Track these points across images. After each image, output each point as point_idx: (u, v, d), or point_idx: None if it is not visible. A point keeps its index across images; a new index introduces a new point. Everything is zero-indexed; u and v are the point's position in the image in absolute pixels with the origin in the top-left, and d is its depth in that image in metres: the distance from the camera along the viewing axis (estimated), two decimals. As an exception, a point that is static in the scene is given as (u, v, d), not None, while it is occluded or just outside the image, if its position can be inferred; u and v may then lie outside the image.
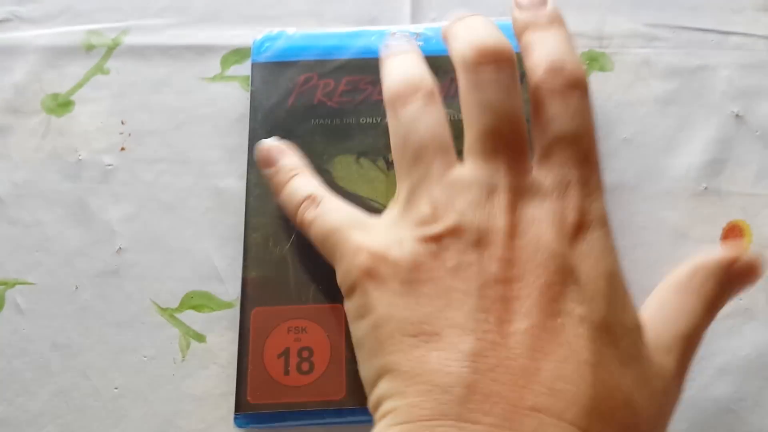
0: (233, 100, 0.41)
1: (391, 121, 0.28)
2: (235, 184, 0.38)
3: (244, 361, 0.33)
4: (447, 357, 0.22)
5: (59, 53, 0.43)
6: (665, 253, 0.38)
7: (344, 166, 0.37)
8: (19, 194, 0.39)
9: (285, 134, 0.38)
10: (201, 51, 0.43)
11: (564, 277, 0.23)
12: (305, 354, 0.33)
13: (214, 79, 0.42)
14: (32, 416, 0.35)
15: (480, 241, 0.24)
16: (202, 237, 0.38)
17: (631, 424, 0.22)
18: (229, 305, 0.36)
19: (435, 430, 0.21)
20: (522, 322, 0.22)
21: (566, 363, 0.22)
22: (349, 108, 0.39)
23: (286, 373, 0.33)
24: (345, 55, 0.40)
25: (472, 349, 0.22)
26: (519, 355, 0.22)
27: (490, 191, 0.25)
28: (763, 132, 0.40)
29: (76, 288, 0.37)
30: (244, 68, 0.42)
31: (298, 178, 0.32)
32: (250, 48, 0.41)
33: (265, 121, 0.38)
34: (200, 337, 0.36)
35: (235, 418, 0.33)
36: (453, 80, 0.38)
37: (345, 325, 0.33)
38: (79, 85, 0.42)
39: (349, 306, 0.26)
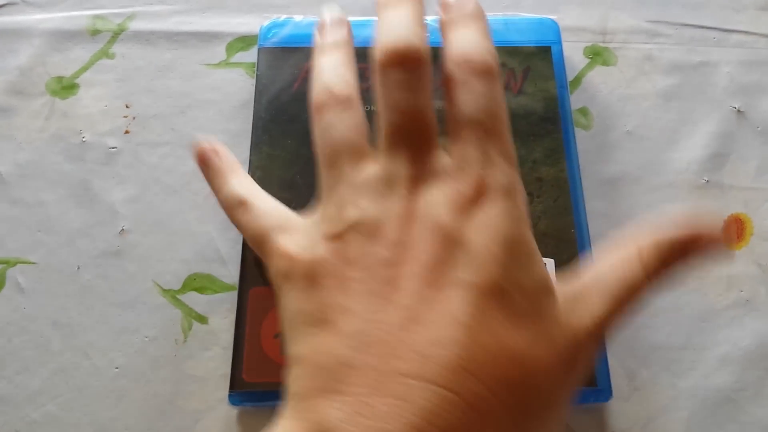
0: (238, 86, 0.42)
1: (313, 129, 0.29)
2: (239, 168, 0.38)
3: (241, 341, 0.33)
4: (334, 340, 0.23)
5: (64, 37, 0.43)
6: (667, 244, 0.38)
7: (349, 150, 0.37)
8: (23, 174, 0.39)
9: (289, 119, 0.38)
10: (206, 38, 0.43)
11: (452, 249, 0.23)
12: (303, 333, 0.33)
13: (219, 65, 0.42)
14: (32, 394, 0.35)
15: (377, 231, 0.24)
16: (205, 220, 0.38)
17: (521, 379, 0.22)
18: (231, 288, 0.36)
19: (308, 403, 0.22)
20: (405, 298, 0.23)
21: (442, 329, 0.22)
22: (354, 95, 0.39)
23: (283, 352, 0.33)
24: (350, 45, 0.40)
25: (356, 330, 0.23)
26: (397, 328, 0.22)
27: (390, 183, 0.25)
28: (764, 127, 0.41)
29: (78, 268, 0.37)
30: (250, 55, 0.42)
31: (231, 181, 0.32)
32: (255, 35, 0.41)
33: (270, 105, 0.38)
34: (202, 319, 0.36)
35: (230, 396, 0.33)
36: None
37: None
38: (84, 69, 0.42)
39: (278, 306, 0.27)
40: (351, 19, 0.41)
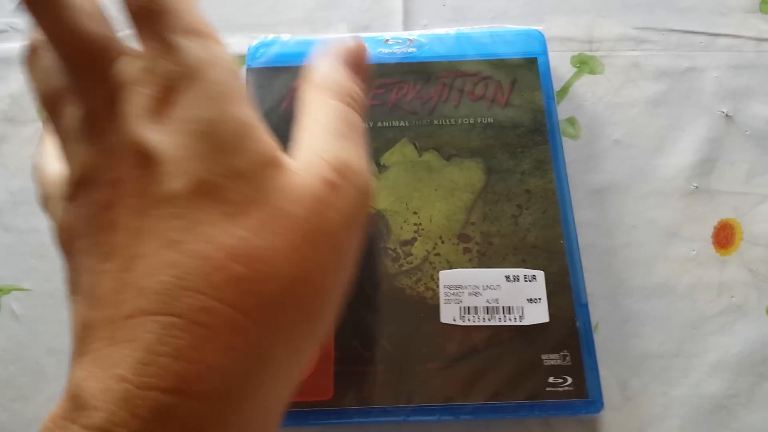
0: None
1: None
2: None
3: None
4: (79, 305, 0.22)
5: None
6: (657, 251, 0.38)
7: (336, 169, 0.37)
8: (15, 202, 0.40)
9: (278, 139, 0.38)
10: (195, 59, 0.43)
11: (149, 165, 0.22)
12: (295, 352, 0.33)
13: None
14: (27, 421, 0.35)
15: (93, 176, 0.23)
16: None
17: (253, 275, 0.21)
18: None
19: (69, 373, 0.21)
20: (122, 237, 0.22)
21: (156, 255, 0.21)
22: (342, 112, 0.39)
23: None
24: (338, 62, 0.41)
25: (90, 287, 0.22)
26: (121, 270, 0.21)
27: (90, 117, 0.23)
28: (752, 131, 0.41)
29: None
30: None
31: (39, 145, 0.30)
32: (244, 56, 0.42)
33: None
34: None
35: None
36: (445, 86, 0.39)
37: (333, 324, 0.33)
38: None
39: None
40: (338, 36, 0.42)
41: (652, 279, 0.37)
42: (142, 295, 0.20)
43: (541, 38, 0.41)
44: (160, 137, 0.22)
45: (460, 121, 0.39)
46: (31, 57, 0.26)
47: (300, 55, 0.41)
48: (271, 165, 0.23)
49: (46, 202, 0.26)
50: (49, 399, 0.35)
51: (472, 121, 0.39)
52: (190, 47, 0.23)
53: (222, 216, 0.22)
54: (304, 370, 0.25)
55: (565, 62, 0.43)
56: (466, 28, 0.42)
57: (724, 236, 0.38)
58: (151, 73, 0.22)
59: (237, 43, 0.44)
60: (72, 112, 0.24)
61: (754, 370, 0.35)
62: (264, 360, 0.22)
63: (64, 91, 0.24)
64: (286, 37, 0.42)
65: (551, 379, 0.33)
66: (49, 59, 0.25)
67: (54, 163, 0.27)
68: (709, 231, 0.38)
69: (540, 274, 0.35)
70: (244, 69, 0.41)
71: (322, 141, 0.25)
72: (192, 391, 0.20)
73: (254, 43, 0.41)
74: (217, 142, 0.22)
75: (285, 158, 0.24)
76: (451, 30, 0.42)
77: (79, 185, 0.23)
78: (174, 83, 0.22)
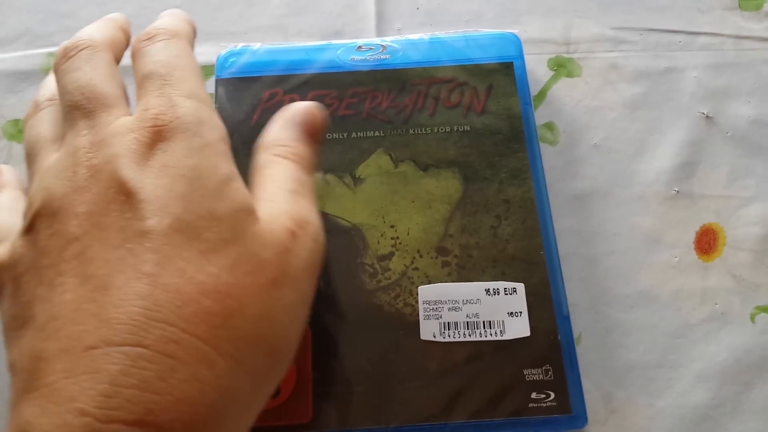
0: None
1: None
2: (201, 205, 0.38)
3: None
4: (32, 337, 0.22)
5: (19, 78, 0.42)
6: (639, 259, 0.37)
7: (310, 183, 0.36)
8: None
9: (250, 152, 0.37)
10: (164, 70, 0.42)
11: (129, 201, 0.23)
12: (270, 380, 0.32)
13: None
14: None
15: (62, 208, 0.24)
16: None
17: (222, 310, 0.22)
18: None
19: (14, 410, 0.21)
20: (91, 268, 0.22)
21: (125, 287, 0.21)
22: (315, 123, 0.38)
23: None
24: (310, 70, 0.40)
25: (48, 318, 0.22)
26: (85, 301, 0.21)
27: (72, 157, 0.25)
28: (733, 133, 0.40)
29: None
30: (208, 86, 0.41)
31: None
32: (213, 65, 0.41)
33: (230, 138, 0.37)
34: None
35: None
36: (419, 93, 0.38)
37: (311, 347, 0.33)
38: (40, 110, 0.41)
39: None
40: (312, 44, 0.41)
41: (634, 287, 0.37)
42: (107, 326, 0.21)
43: (517, 42, 0.40)
44: (143, 176, 0.23)
45: (436, 129, 0.38)
46: (30, 115, 0.29)
47: (271, 64, 0.40)
48: (245, 212, 0.25)
49: None
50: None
51: (448, 129, 0.38)
52: (187, 106, 0.25)
53: (196, 253, 0.23)
54: (264, 402, 0.25)
55: (541, 65, 0.42)
56: (440, 33, 0.41)
57: (707, 242, 0.38)
58: (143, 121, 0.25)
59: (205, 52, 0.43)
60: (47, 155, 0.26)
61: (739, 378, 0.35)
62: (230, 392, 0.22)
63: (47, 140, 0.27)
64: (255, 45, 0.41)
65: (534, 395, 0.32)
66: (43, 114, 0.29)
67: (5, 213, 0.29)
68: (691, 237, 0.38)
69: (520, 287, 0.34)
70: (213, 80, 0.40)
71: (281, 197, 0.27)
72: (158, 423, 0.20)
73: (223, 52, 0.40)
74: (200, 187, 0.24)
75: (256, 209, 0.25)
76: (425, 35, 0.41)
77: (39, 216, 0.24)
78: (164, 131, 0.24)
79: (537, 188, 0.36)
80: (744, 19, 0.43)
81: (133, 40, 0.30)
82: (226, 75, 0.40)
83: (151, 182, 0.23)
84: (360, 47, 0.40)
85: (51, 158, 0.26)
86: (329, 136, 0.38)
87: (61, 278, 0.22)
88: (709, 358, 0.35)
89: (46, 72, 0.42)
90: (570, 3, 0.44)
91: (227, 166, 0.26)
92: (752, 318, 0.36)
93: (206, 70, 0.42)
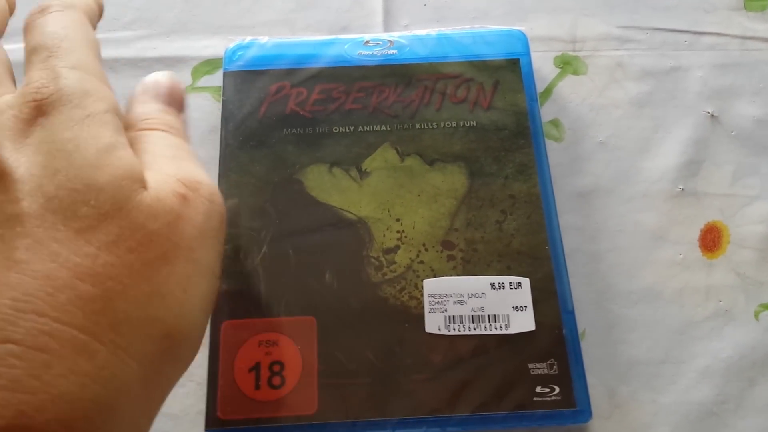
0: (205, 111, 0.41)
1: None
2: (208, 196, 0.38)
3: (215, 377, 0.33)
4: None
5: (22, 71, 0.42)
6: (643, 256, 0.37)
7: (316, 175, 0.37)
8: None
9: (257, 144, 0.37)
10: (171, 62, 0.42)
11: (3, 183, 0.21)
12: (276, 368, 0.32)
13: (185, 90, 0.42)
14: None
15: None
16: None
17: (101, 294, 0.21)
18: (203, 320, 0.36)
19: None
20: None
21: None
22: (322, 117, 0.38)
23: (257, 387, 0.32)
24: (317, 64, 0.40)
25: None
26: None
27: None
28: (738, 132, 0.40)
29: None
30: (216, 79, 0.42)
31: None
32: (221, 58, 0.41)
33: (237, 130, 0.38)
34: (174, 354, 0.35)
35: None
36: (426, 89, 0.38)
37: (317, 338, 0.33)
38: (47, 100, 0.41)
39: None
40: (319, 38, 0.41)
41: (638, 284, 0.37)
42: None
43: (523, 39, 0.41)
44: (17, 156, 0.22)
45: (442, 124, 0.38)
46: None
47: (278, 58, 0.40)
48: (129, 179, 0.23)
49: None
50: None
51: (454, 124, 0.38)
52: (70, 76, 0.24)
53: (72, 233, 0.21)
54: (168, 391, 0.24)
55: (548, 63, 0.43)
56: (447, 29, 0.41)
57: (711, 239, 0.38)
58: (23, 95, 0.23)
59: (214, 45, 0.43)
60: None
61: (743, 375, 0.35)
62: (117, 383, 0.20)
63: None
64: (263, 39, 0.41)
65: (538, 389, 0.32)
66: None
67: None
68: (695, 234, 0.38)
69: (525, 281, 0.34)
70: (220, 72, 0.40)
71: (163, 164, 0.25)
72: (33, 425, 0.18)
73: (231, 45, 0.40)
74: (76, 159, 0.22)
75: (143, 176, 0.24)
76: (433, 31, 0.41)
77: None
78: (44, 105, 0.23)
79: (542, 184, 0.36)
80: (749, 19, 0.44)
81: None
82: (234, 68, 0.40)
83: (27, 161, 0.22)
84: (367, 42, 0.41)
85: None
86: (336, 129, 0.38)
87: None
88: (713, 355, 0.35)
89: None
90: (577, 1, 0.44)
91: (111, 134, 0.23)
92: (756, 315, 0.36)
93: (214, 63, 0.42)
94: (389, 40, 0.41)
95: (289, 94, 0.39)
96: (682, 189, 0.39)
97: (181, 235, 0.23)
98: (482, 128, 0.38)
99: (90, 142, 0.23)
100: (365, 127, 0.38)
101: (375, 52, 0.40)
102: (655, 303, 0.36)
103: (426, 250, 0.35)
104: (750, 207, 0.39)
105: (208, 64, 0.42)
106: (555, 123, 0.41)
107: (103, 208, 0.22)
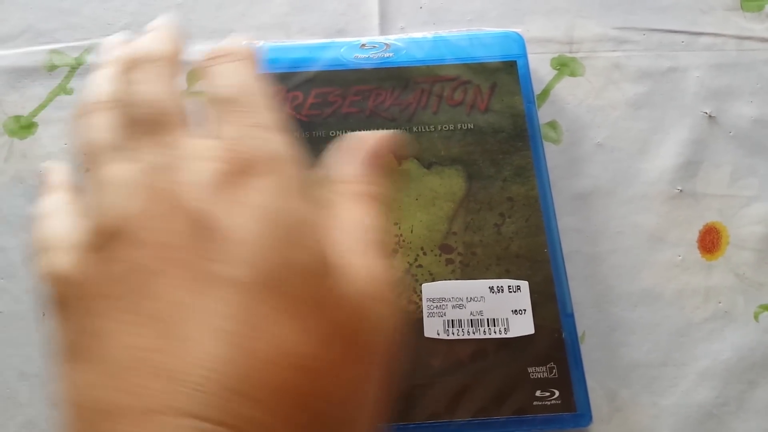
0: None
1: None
2: (204, 202, 0.38)
3: None
4: (87, 377, 0.20)
5: (20, 74, 0.42)
6: (642, 257, 0.37)
7: (314, 180, 0.36)
8: (-18, 220, 0.38)
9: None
10: (166, 67, 0.42)
11: (210, 240, 0.20)
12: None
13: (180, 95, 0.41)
14: (0, 449, 0.34)
15: (133, 234, 0.21)
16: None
17: (310, 385, 0.20)
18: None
19: None
20: (163, 311, 0.20)
21: (201, 343, 0.19)
22: (318, 121, 0.38)
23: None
24: (314, 68, 0.40)
25: (108, 361, 0.20)
26: (153, 351, 0.19)
27: (143, 177, 0.22)
28: (736, 132, 0.40)
29: (44, 315, 0.36)
30: (211, 84, 0.41)
31: (40, 200, 0.30)
32: (216, 63, 0.40)
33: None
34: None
35: None
36: (423, 92, 0.38)
37: None
38: (42, 107, 0.41)
39: None
40: (315, 42, 0.40)
41: (638, 286, 0.37)
42: (178, 390, 0.18)
43: (520, 41, 0.40)
44: (228, 214, 0.21)
45: (439, 127, 0.38)
46: (88, 112, 0.25)
47: (274, 62, 0.40)
48: (325, 267, 0.22)
49: (45, 251, 0.24)
50: (22, 425, 0.34)
51: (451, 127, 0.38)
52: (269, 139, 0.23)
53: (283, 314, 0.20)
54: None
55: (545, 64, 0.42)
56: (443, 32, 0.41)
57: (710, 240, 0.38)
58: (226, 150, 0.22)
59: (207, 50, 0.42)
60: (119, 166, 0.23)
61: (743, 377, 0.35)
62: None
63: (114, 146, 0.24)
64: (258, 43, 0.41)
65: (538, 393, 0.32)
66: (102, 117, 0.25)
67: (63, 216, 0.25)
68: (694, 235, 0.38)
69: (524, 285, 0.34)
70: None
71: (358, 251, 0.23)
72: None
73: (227, 50, 0.40)
74: (285, 234, 0.21)
75: (340, 262, 0.22)
76: (429, 33, 0.41)
77: (113, 237, 0.21)
78: (249, 168, 0.22)
79: (541, 186, 0.36)
80: (746, 19, 0.44)
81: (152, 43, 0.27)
82: (229, 72, 0.39)
83: (236, 221, 0.21)
84: (364, 45, 0.40)
85: (116, 169, 0.23)
86: (332, 133, 0.38)
87: (126, 315, 0.20)
88: (713, 357, 0.35)
89: (48, 69, 0.42)
90: (572, 3, 0.44)
91: (306, 210, 0.22)
92: (756, 317, 0.36)
93: (209, 67, 0.42)
94: (385, 43, 0.40)
95: (286, 99, 0.38)
96: (681, 190, 0.39)
97: (378, 340, 0.22)
98: (480, 131, 0.38)
99: (297, 220, 0.22)
100: (362, 131, 0.38)
101: (371, 55, 0.40)
102: (655, 305, 0.36)
103: (424, 254, 0.35)
104: (749, 208, 0.38)
105: (204, 69, 0.42)
106: (553, 125, 0.41)
107: (309, 294, 0.21)
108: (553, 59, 0.42)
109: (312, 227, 0.22)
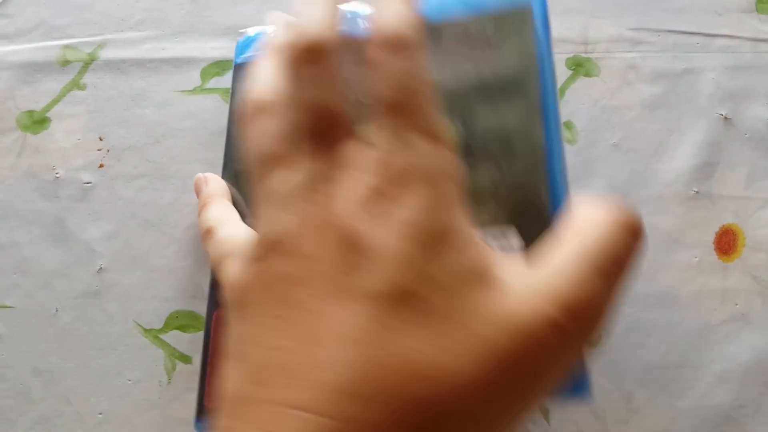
0: (214, 112, 0.40)
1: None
2: (219, 199, 0.37)
3: (204, 365, 0.32)
4: (242, 375, 0.22)
5: (34, 69, 0.42)
6: (658, 259, 0.37)
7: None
8: (-5, 215, 0.38)
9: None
10: (180, 64, 0.42)
11: (355, 255, 0.21)
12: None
13: (193, 91, 0.41)
14: (13, 445, 0.34)
15: (288, 246, 0.22)
16: (185, 254, 0.37)
17: (433, 397, 0.19)
18: (215, 324, 0.35)
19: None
20: (305, 319, 0.21)
21: (332, 349, 0.20)
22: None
23: None
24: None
25: (259, 361, 0.21)
26: (293, 353, 0.20)
27: (302, 188, 0.23)
28: (752, 134, 0.40)
29: (57, 310, 0.36)
30: (225, 80, 0.41)
31: (206, 209, 0.32)
32: (230, 60, 0.40)
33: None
34: (186, 358, 0.35)
35: (196, 424, 0.31)
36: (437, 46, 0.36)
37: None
38: (55, 102, 0.41)
39: None
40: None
41: (654, 287, 0.37)
42: (306, 387, 0.19)
43: None
44: (373, 231, 0.21)
45: (445, 83, 0.37)
46: (254, 116, 0.25)
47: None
48: (477, 282, 0.21)
49: (221, 259, 0.28)
50: (35, 422, 0.34)
51: (458, 82, 0.37)
52: (428, 152, 0.22)
53: (416, 327, 0.20)
54: None
55: (560, 65, 0.42)
56: None
57: (726, 242, 0.38)
58: (380, 164, 0.22)
59: (222, 46, 0.42)
60: (282, 178, 0.23)
61: (761, 379, 0.35)
62: None
63: (279, 157, 0.24)
64: (271, 29, 0.40)
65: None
66: (268, 123, 0.25)
67: (237, 226, 0.30)
68: (710, 237, 0.38)
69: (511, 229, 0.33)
70: (230, 74, 0.39)
71: (575, 271, 0.21)
72: None
73: (241, 39, 0.40)
74: (432, 250, 0.21)
75: (499, 277, 0.21)
76: None
77: (273, 249, 0.22)
78: (401, 182, 0.22)
79: (548, 134, 0.34)
80: (761, 22, 0.43)
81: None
82: (243, 60, 0.39)
83: (380, 238, 0.21)
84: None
85: (280, 182, 0.23)
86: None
87: (278, 322, 0.21)
88: (731, 359, 0.35)
89: (61, 64, 0.42)
90: (587, 3, 0.44)
91: (462, 223, 0.22)
92: (773, 319, 0.36)
93: (223, 64, 0.42)
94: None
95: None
96: (697, 192, 0.39)
97: (533, 368, 0.20)
98: (485, 84, 0.36)
99: (446, 236, 0.21)
100: None
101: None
102: (672, 306, 0.36)
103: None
104: (765, 210, 0.38)
105: (217, 66, 0.42)
106: (568, 125, 0.40)
107: (447, 309, 0.20)
108: (568, 59, 0.42)
109: (464, 242, 0.21)
